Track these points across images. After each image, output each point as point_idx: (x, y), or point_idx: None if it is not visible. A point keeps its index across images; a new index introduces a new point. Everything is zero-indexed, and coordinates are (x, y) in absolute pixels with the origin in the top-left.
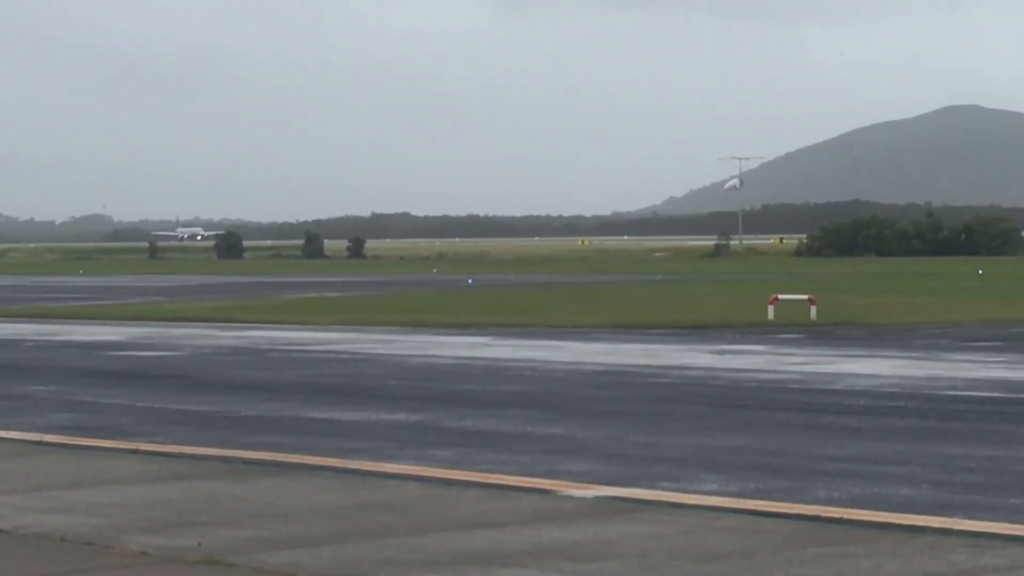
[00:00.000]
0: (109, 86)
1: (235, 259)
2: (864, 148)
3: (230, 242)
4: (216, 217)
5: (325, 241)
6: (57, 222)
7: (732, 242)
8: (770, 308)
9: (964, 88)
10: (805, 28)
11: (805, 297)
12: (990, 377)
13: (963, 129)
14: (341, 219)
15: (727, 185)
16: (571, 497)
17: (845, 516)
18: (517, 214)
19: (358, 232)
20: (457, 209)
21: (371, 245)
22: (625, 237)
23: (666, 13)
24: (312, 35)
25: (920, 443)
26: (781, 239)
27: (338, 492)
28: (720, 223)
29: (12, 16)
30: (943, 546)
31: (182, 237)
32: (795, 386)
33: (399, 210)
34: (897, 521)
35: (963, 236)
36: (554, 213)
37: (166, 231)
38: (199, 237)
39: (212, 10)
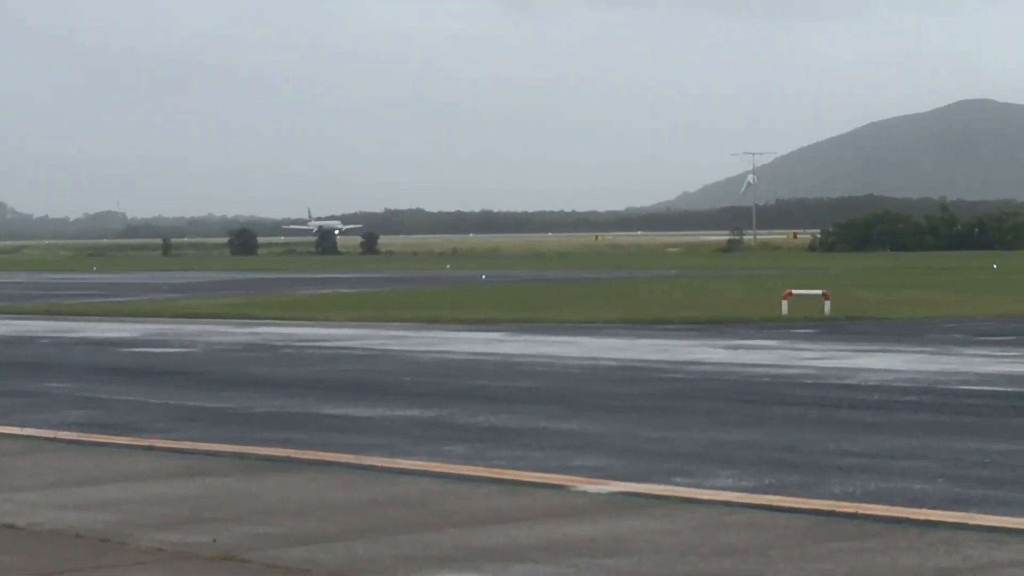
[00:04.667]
0: (123, 83)
1: (248, 255)
2: (878, 143)
3: (243, 238)
4: (229, 214)
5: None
6: (71, 219)
7: (746, 237)
8: (784, 303)
9: (977, 82)
10: (816, 23)
11: (819, 292)
12: (1004, 372)
13: (977, 123)
14: (354, 215)
15: (745, 183)
16: (585, 493)
17: (859, 511)
18: (530, 210)
19: (371, 228)
20: (470, 205)
21: (384, 241)
22: (639, 232)
23: (671, 10)
24: (322, 32)
25: (934, 438)
26: (795, 234)
27: (352, 488)
28: (734, 218)
29: (24, 14)
30: (958, 541)
31: (316, 230)
32: (809, 381)
33: (412, 206)
34: (912, 516)
35: (977, 230)
36: (567, 208)
37: (298, 225)
38: (337, 232)
39: (224, 8)
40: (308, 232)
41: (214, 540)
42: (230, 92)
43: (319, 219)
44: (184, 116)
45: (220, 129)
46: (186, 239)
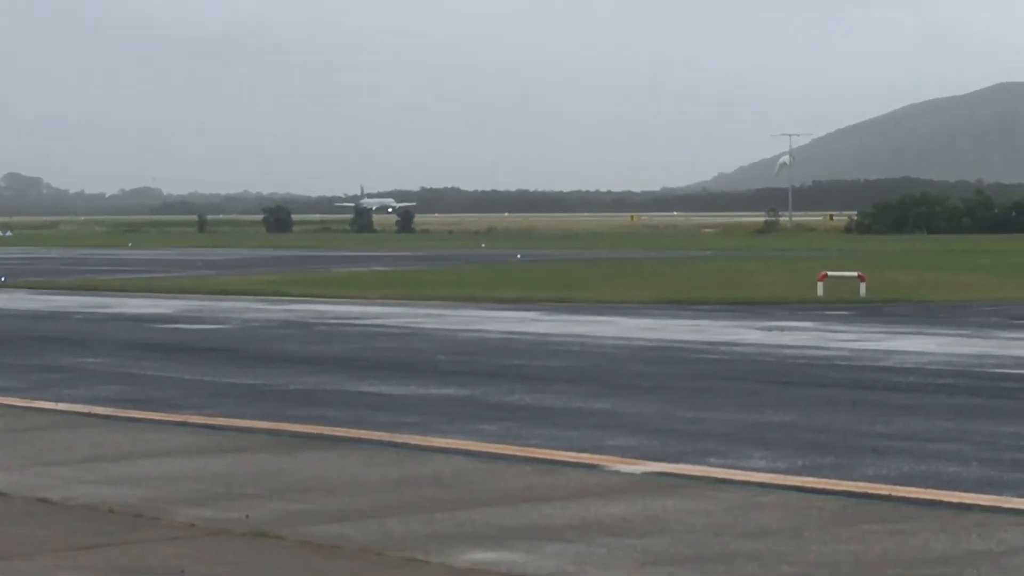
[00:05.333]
0: (159, 61)
1: (284, 232)
2: (915, 125)
3: (278, 215)
4: (265, 191)
5: (375, 215)
6: (107, 195)
7: (782, 218)
8: (819, 285)
9: (1016, 64)
10: (854, 4)
11: (855, 274)
12: None
13: (1015, 106)
14: (391, 193)
15: (779, 162)
16: (618, 472)
17: (893, 493)
18: (566, 189)
19: (341, 207)
20: (506, 184)
21: (420, 220)
22: (675, 213)
23: None
24: (360, 10)
25: (969, 421)
26: (831, 216)
27: (385, 466)
28: (770, 199)
29: None
30: (992, 524)
31: (371, 208)
32: (843, 363)
33: (448, 184)
34: (946, 499)
35: (1014, 213)
36: (603, 188)
37: (348, 203)
38: (389, 209)
39: None
40: (361, 210)
41: (247, 516)
42: (267, 69)
43: (372, 199)
44: (220, 93)
45: (256, 105)
46: (221, 216)
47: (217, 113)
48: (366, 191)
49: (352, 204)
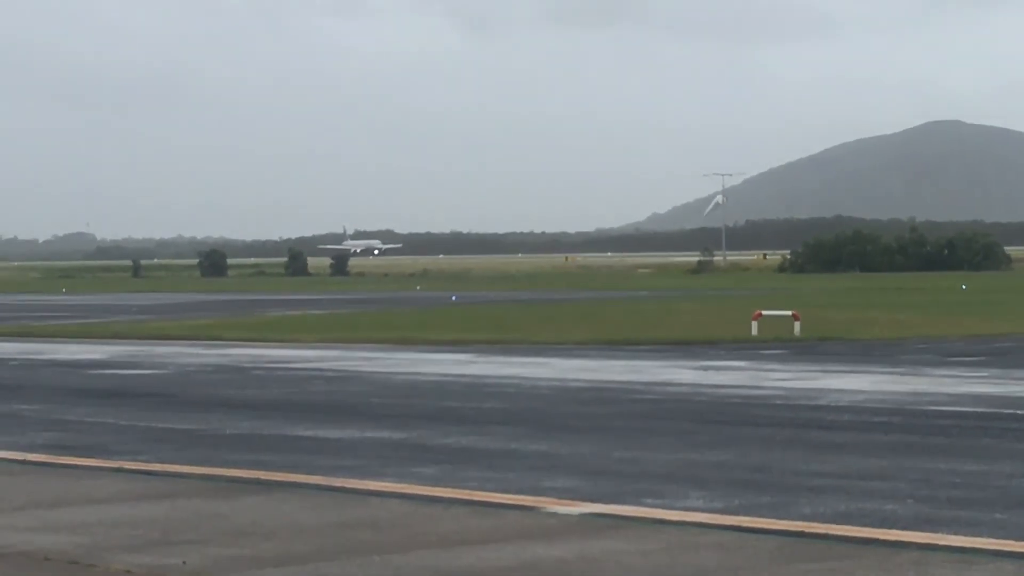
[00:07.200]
0: (91, 105)
1: (219, 277)
2: (846, 164)
3: (213, 260)
4: (199, 235)
5: (309, 258)
6: (40, 240)
7: (716, 258)
8: (754, 324)
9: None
10: (781, 46)
11: (789, 313)
12: (974, 392)
13: (944, 144)
14: (324, 236)
15: (712, 202)
16: (555, 514)
17: (830, 532)
18: (501, 231)
19: (324, 250)
20: (441, 227)
21: (355, 263)
22: (609, 253)
23: (632, 32)
24: (288, 56)
25: (904, 458)
26: (764, 255)
27: (323, 510)
28: (703, 239)
29: None
30: (928, 561)
31: (355, 251)
32: (779, 402)
33: (382, 227)
34: (882, 536)
35: (946, 251)
36: (537, 230)
37: (334, 244)
38: (376, 252)
39: (189, 30)
40: (347, 252)
41: (184, 562)
42: (197, 114)
43: (356, 240)
44: (153, 138)
45: (189, 151)
46: (156, 260)
47: (150, 158)
48: (350, 232)
49: (337, 246)
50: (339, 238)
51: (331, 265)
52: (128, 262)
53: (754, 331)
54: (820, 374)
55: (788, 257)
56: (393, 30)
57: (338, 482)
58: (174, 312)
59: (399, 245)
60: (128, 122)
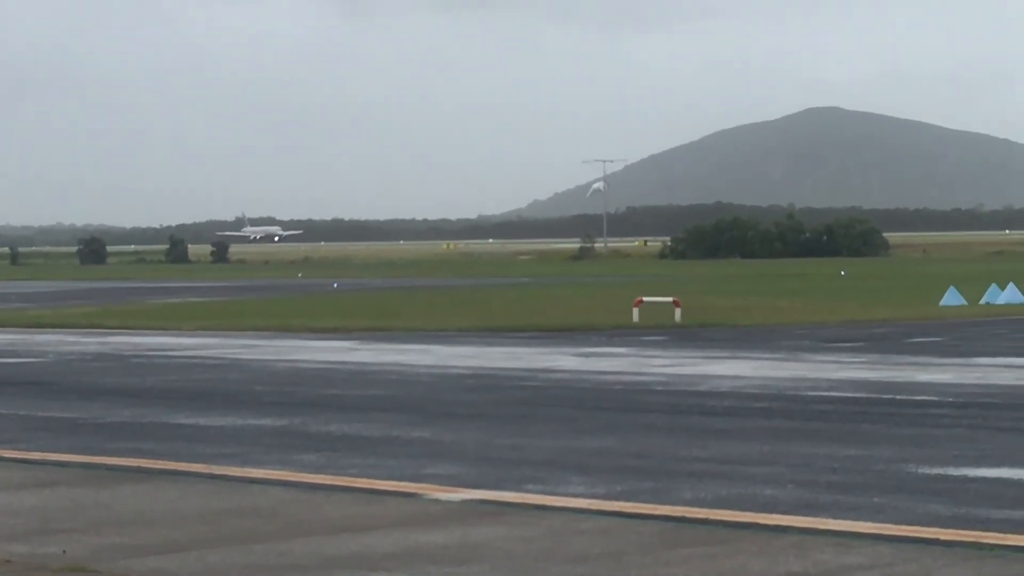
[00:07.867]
0: None
1: (98, 264)
2: (726, 151)
3: (93, 247)
4: (79, 222)
5: (189, 246)
6: None
7: (597, 245)
8: (635, 310)
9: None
10: (665, 32)
11: (670, 299)
12: (852, 378)
13: (823, 131)
14: (205, 224)
15: (592, 188)
16: (437, 500)
17: (711, 517)
18: (382, 218)
19: (223, 237)
20: (321, 213)
21: (235, 250)
22: (490, 240)
23: (511, 18)
24: (165, 39)
25: (784, 443)
26: (645, 241)
27: (204, 498)
28: (584, 226)
29: None
30: (808, 545)
31: (254, 238)
32: (660, 388)
33: (264, 214)
34: (762, 521)
35: (825, 238)
36: (419, 217)
37: (232, 231)
38: (276, 239)
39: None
40: (245, 239)
41: (64, 551)
42: (75, 99)
43: (255, 227)
44: (29, 123)
45: (67, 136)
46: (35, 248)
47: (29, 144)
48: (248, 218)
49: (236, 233)
50: (225, 225)
51: (212, 252)
52: (6, 249)
53: (635, 318)
54: (701, 360)
55: (669, 244)
56: (275, 13)
57: (220, 470)
58: (53, 300)
59: (300, 232)
60: (6, 107)
